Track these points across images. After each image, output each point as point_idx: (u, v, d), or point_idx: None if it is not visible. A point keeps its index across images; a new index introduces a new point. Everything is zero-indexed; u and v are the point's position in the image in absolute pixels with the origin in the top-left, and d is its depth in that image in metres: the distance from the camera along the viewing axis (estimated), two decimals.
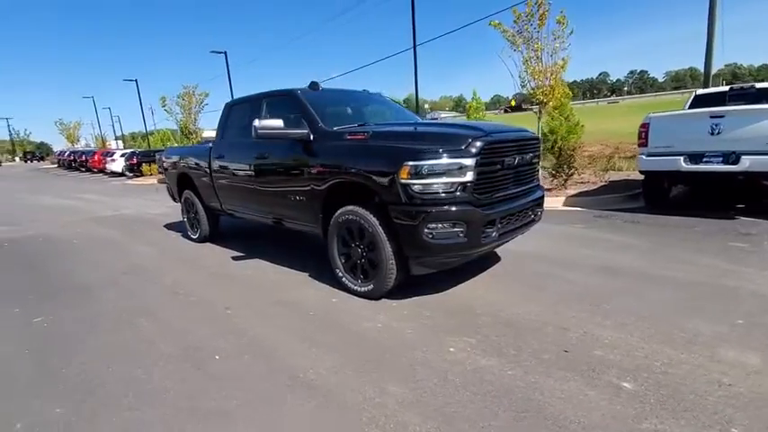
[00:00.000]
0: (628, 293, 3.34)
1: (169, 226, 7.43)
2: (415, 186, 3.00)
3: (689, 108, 6.93)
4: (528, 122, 10.90)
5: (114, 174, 23.22)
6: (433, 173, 2.98)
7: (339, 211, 3.52)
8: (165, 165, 6.59)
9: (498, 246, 3.69)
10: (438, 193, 3.01)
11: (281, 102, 4.37)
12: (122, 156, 23.39)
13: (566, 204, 7.31)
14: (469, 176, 3.01)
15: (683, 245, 4.59)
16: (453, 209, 3.02)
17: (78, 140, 48.99)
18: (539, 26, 9.41)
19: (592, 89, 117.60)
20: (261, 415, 2.10)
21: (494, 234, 3.22)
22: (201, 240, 5.92)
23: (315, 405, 2.15)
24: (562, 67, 9.59)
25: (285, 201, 4.14)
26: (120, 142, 45.80)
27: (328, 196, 3.65)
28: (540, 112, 9.93)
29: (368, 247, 3.37)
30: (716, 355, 2.39)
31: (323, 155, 3.66)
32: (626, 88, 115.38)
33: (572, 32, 9.40)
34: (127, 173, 22.00)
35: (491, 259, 4.37)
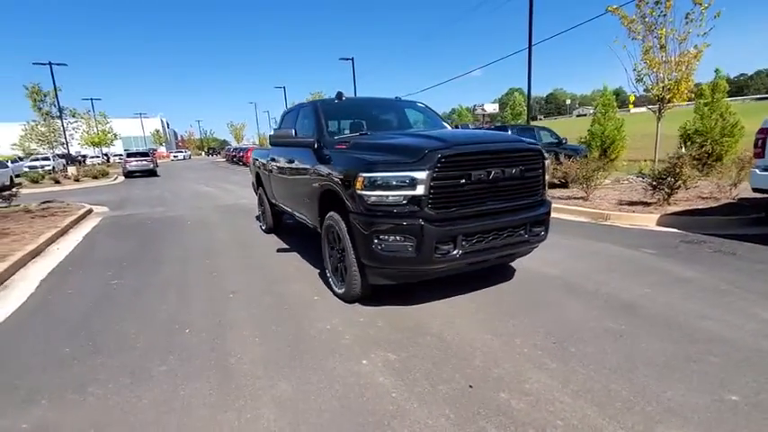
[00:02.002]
0: (619, 341, 2.79)
1: (259, 217, 8.64)
2: (369, 197, 3.05)
3: None
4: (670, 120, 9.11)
5: None
6: (385, 185, 2.99)
7: (327, 216, 3.75)
8: (250, 165, 7.71)
9: (475, 266, 3.42)
10: (390, 204, 3.01)
11: (308, 111, 4.79)
12: None
13: (659, 224, 6.10)
14: (421, 190, 2.93)
15: None
16: (402, 222, 2.98)
17: (243, 139, 58.90)
18: (666, 8, 7.92)
19: (745, 87, 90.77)
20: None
21: (454, 252, 3.05)
22: (268, 232, 6.79)
23: (215, 384, 2.46)
24: (695, 57, 7.88)
25: (302, 200, 4.55)
26: None
27: (322, 200, 3.91)
28: (660, 111, 8.35)
29: (341, 252, 3.53)
30: None
31: (320, 162, 3.94)
32: None
33: (718, 15, 7.66)
34: None
35: (502, 276, 4.04)
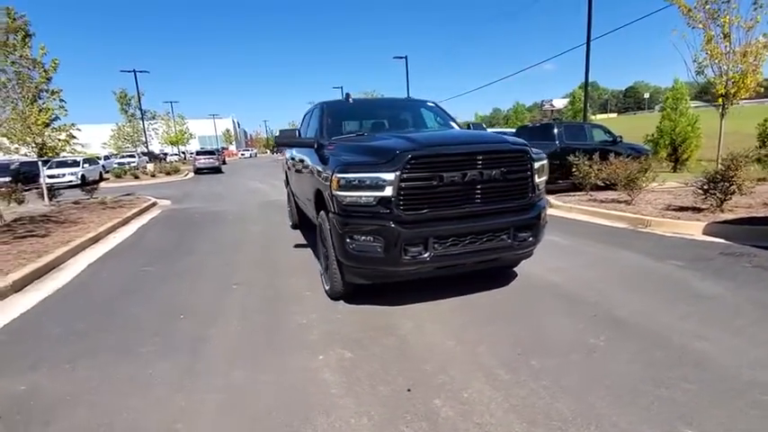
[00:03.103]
0: (590, 358, 2.60)
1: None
2: (344, 198, 3.12)
3: None
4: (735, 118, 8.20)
5: None
6: (357, 186, 3.03)
7: (318, 215, 3.88)
8: (283, 163, 8.09)
9: (452, 270, 3.32)
10: (362, 205, 3.06)
11: (316, 112, 4.94)
12: None
13: (705, 233, 5.46)
14: (390, 191, 2.94)
15: None
16: (372, 222, 3.01)
17: None
18: None
19: None
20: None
21: (425, 255, 3.01)
22: (293, 227, 7.10)
23: (182, 366, 2.68)
24: (764, 47, 6.94)
25: (306, 199, 4.72)
26: None
27: (317, 199, 4.03)
28: (724, 107, 7.44)
29: (328, 250, 3.63)
30: None
31: (315, 162, 4.07)
32: None
33: None
34: None
35: (499, 281, 3.90)
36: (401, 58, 27.05)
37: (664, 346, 2.65)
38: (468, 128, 5.03)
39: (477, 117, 60.14)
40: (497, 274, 4.08)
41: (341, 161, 3.21)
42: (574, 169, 8.53)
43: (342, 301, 3.64)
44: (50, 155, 12.51)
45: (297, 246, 5.90)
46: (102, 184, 20.76)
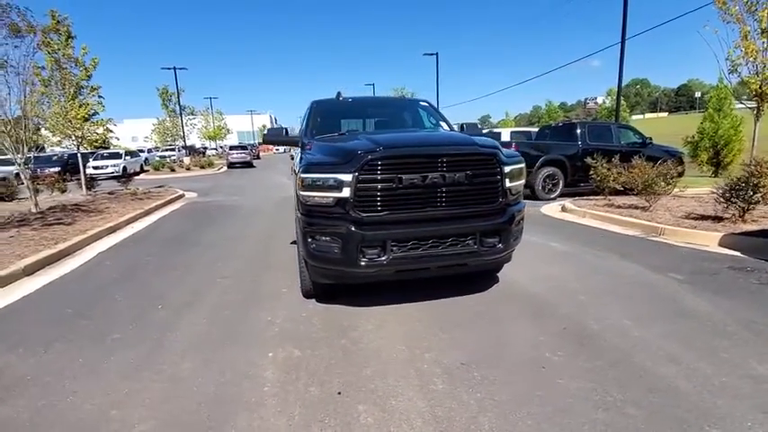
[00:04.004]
0: (537, 374, 2.48)
1: None
2: (306, 198, 3.14)
3: None
4: None
5: None
6: (318, 186, 3.04)
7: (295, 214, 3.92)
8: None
9: (414, 273, 3.27)
10: (322, 205, 3.06)
11: (307, 110, 4.98)
12: None
13: (721, 244, 5.07)
14: (347, 192, 2.92)
15: None
16: (330, 223, 3.01)
17: None
18: None
19: None
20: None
21: (382, 258, 2.98)
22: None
23: (141, 355, 2.80)
24: None
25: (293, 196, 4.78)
26: None
27: (296, 198, 4.08)
28: (759, 108, 6.85)
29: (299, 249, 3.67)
30: None
31: (297, 161, 4.11)
32: None
33: None
34: None
35: (477, 286, 3.81)
36: (431, 54, 26.78)
37: (623, 365, 2.49)
38: (462, 129, 4.91)
39: (506, 115, 58.48)
40: (478, 280, 3.98)
41: (307, 161, 3.23)
42: (591, 172, 8.13)
43: (314, 300, 3.67)
44: (89, 147, 13.37)
45: (293, 242, 5.99)
46: (142, 176, 21.97)
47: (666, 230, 5.66)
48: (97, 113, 12.98)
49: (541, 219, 7.54)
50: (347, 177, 2.90)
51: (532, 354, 2.66)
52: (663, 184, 6.58)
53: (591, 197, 8.74)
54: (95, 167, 20.51)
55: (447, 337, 2.93)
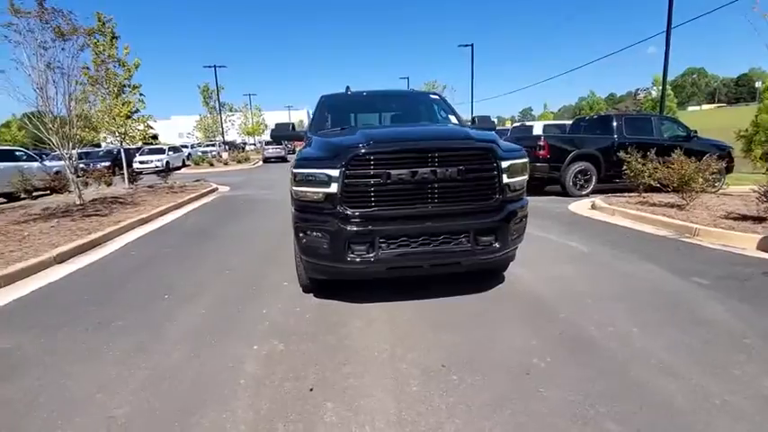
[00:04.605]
0: (520, 381, 2.36)
1: None
2: (298, 193, 3.15)
3: None
4: None
5: None
6: (308, 181, 3.04)
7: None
8: None
9: (405, 271, 3.18)
10: (312, 201, 3.06)
11: (317, 105, 4.99)
12: None
13: (759, 247, 4.62)
14: (335, 188, 2.90)
15: None
16: (319, 218, 3.00)
17: None
18: None
19: None
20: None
21: (370, 255, 2.93)
22: None
23: (138, 343, 2.92)
24: None
25: None
26: None
27: None
28: None
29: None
30: None
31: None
32: None
33: None
34: None
35: (478, 285, 3.68)
36: (466, 46, 26.16)
37: (616, 376, 2.31)
38: (474, 122, 4.75)
39: (545, 107, 56.16)
40: (481, 279, 3.83)
41: (300, 156, 3.23)
42: (624, 167, 7.65)
43: (311, 295, 3.69)
44: (131, 143, 14.17)
45: None
46: (183, 171, 23.08)
47: (701, 231, 5.22)
48: (138, 111, 13.73)
49: (567, 216, 7.19)
50: (335, 173, 2.87)
51: (519, 359, 2.53)
52: (701, 180, 6.06)
53: (626, 194, 8.24)
54: (141, 162, 21.75)
55: (434, 337, 2.85)
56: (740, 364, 2.39)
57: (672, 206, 6.60)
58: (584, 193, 9.28)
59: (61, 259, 5.14)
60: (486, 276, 3.89)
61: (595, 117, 10.68)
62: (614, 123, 9.41)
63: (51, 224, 6.85)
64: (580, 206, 8.03)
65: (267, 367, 2.54)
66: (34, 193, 12.05)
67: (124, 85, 13.00)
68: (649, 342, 2.68)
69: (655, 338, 2.72)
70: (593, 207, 7.69)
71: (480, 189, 3.01)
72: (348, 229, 2.90)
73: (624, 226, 6.14)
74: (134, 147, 19.43)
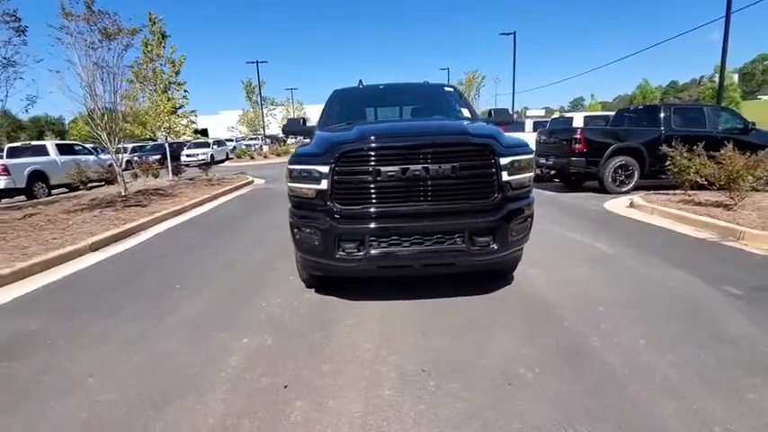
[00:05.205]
0: (498, 390, 2.23)
1: None
2: (292, 189, 3.16)
3: None
4: None
5: None
6: (301, 177, 3.04)
7: None
8: None
9: (396, 270, 3.13)
10: (304, 197, 3.06)
11: (328, 98, 4.96)
12: None
13: None
14: (325, 185, 2.87)
15: None
16: (310, 215, 2.99)
17: None
18: None
19: None
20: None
21: (360, 253, 2.88)
22: None
23: (140, 330, 3.07)
24: None
25: None
26: None
27: None
28: None
29: None
30: None
31: None
32: None
33: None
34: None
35: (486, 287, 3.54)
36: (508, 34, 25.14)
37: (607, 394, 2.13)
38: (490, 115, 4.55)
39: (592, 98, 52.97)
40: (488, 280, 3.66)
41: (295, 152, 3.23)
42: (668, 162, 7.05)
43: (313, 290, 3.71)
44: (174, 138, 14.96)
45: None
46: (226, 164, 24.09)
47: (746, 234, 4.72)
48: (182, 106, 14.45)
49: (599, 215, 6.76)
50: (325, 169, 2.85)
51: (505, 367, 2.39)
52: (751, 178, 5.46)
53: (670, 191, 7.62)
54: (188, 155, 22.93)
55: (422, 340, 2.77)
56: (756, 389, 2.12)
57: (718, 206, 6.02)
58: (624, 189, 8.68)
59: (96, 247, 5.51)
60: (493, 277, 3.73)
61: (640, 107, 9.90)
62: (661, 114, 8.70)
63: (94, 214, 7.37)
64: (617, 204, 7.52)
65: (250, 361, 2.58)
66: (89, 185, 13.06)
67: (170, 82, 13.71)
68: (656, 357, 2.44)
69: (664, 353, 2.48)
70: (631, 205, 7.18)
71: (476, 187, 2.86)
72: (338, 226, 2.87)
73: (660, 226, 5.67)
74: (182, 141, 20.54)
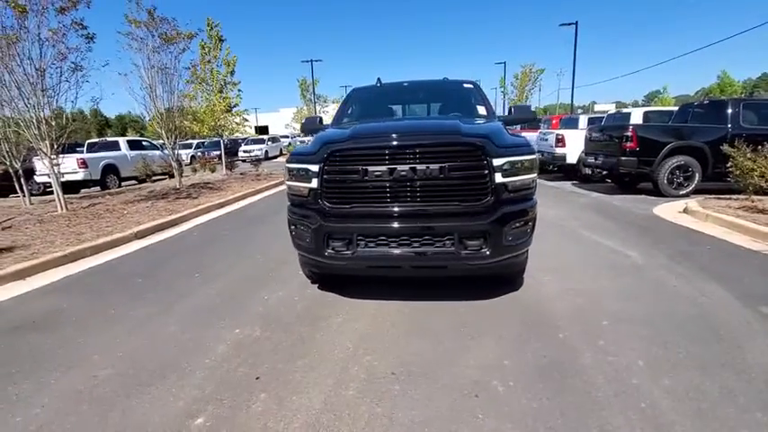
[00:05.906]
0: (466, 401, 2.15)
1: None
2: (291, 186, 3.25)
3: None
4: None
5: None
6: (296, 175, 3.12)
7: None
8: None
9: (386, 270, 3.11)
10: (299, 195, 3.14)
11: (345, 97, 5.01)
12: None
13: None
14: (315, 183, 2.93)
15: None
16: (303, 212, 3.07)
17: None
18: None
19: None
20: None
21: (348, 252, 2.91)
22: None
23: (150, 314, 3.33)
24: None
25: None
26: None
27: None
28: None
29: None
30: None
31: None
32: None
33: None
34: None
35: (492, 291, 3.43)
36: (569, 24, 23.65)
37: (580, 416, 1.98)
38: (510, 112, 4.35)
39: (664, 90, 48.29)
40: (493, 285, 3.52)
41: (294, 150, 3.32)
42: (729, 164, 6.31)
43: (315, 286, 3.80)
44: (228, 134, 15.89)
45: None
46: (279, 159, 25.16)
47: None
48: (237, 105, 15.30)
49: (644, 220, 6.21)
50: (315, 168, 2.90)
51: (478, 378, 2.30)
52: None
53: (734, 196, 6.82)
54: (245, 151, 24.28)
55: (404, 342, 2.73)
56: (760, 427, 1.86)
57: None
58: (681, 192, 7.90)
59: (141, 236, 6.04)
60: (500, 282, 3.57)
61: (706, 102, 8.89)
62: (729, 110, 7.77)
63: (147, 205, 8.06)
64: (669, 208, 6.86)
65: (235, 350, 2.71)
66: (154, 177, 14.28)
67: (226, 82, 14.58)
68: (650, 381, 2.22)
69: (660, 377, 2.25)
70: (685, 210, 6.51)
71: (467, 188, 2.76)
72: (326, 224, 2.92)
73: (711, 235, 5.10)
74: (235, 138, 21.81)
